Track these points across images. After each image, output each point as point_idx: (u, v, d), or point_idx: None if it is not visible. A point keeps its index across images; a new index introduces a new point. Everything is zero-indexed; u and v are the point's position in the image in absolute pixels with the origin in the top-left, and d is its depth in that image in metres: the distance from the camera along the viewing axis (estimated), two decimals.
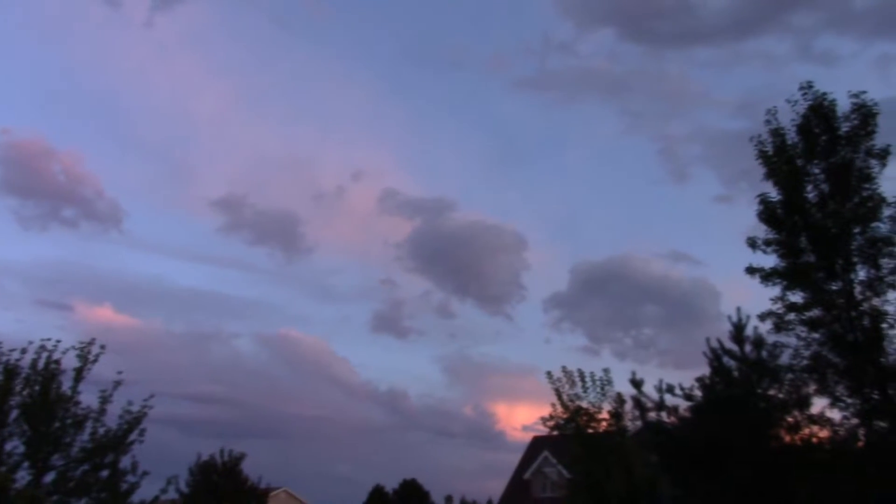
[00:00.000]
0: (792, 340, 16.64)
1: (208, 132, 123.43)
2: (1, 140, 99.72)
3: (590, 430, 21.00)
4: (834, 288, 16.29)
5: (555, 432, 22.25)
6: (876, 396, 15.54)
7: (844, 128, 16.57)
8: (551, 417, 21.48)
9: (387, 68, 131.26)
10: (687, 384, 17.64)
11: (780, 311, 16.73)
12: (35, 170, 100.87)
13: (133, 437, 17.83)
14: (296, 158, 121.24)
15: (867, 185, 16.25)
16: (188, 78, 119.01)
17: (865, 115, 16.36)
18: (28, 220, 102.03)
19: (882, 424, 15.60)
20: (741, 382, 17.06)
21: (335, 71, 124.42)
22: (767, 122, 17.37)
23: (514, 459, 47.51)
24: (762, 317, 16.89)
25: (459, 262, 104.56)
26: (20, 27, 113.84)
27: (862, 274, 16.15)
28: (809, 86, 17.00)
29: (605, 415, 21.10)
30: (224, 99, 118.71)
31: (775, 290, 16.94)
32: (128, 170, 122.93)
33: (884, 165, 16.31)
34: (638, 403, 18.32)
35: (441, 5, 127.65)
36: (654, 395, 18.12)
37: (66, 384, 17.66)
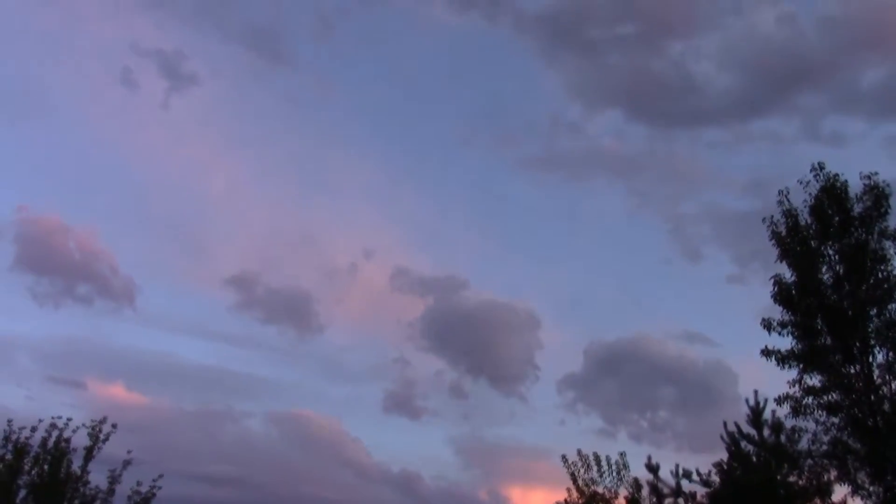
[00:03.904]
0: (811, 425, 16.28)
1: (222, 209, 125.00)
2: (17, 217, 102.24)
3: None
4: (852, 371, 15.95)
5: None
6: None
7: (857, 209, 16.46)
8: (567, 502, 20.95)
9: (398, 147, 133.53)
10: (704, 468, 17.27)
11: (797, 395, 16.35)
12: (50, 246, 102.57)
13: None
14: (308, 236, 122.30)
15: (882, 267, 16.05)
16: (202, 155, 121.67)
17: (878, 196, 16.26)
18: (43, 297, 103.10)
19: None
20: (760, 468, 16.59)
21: (346, 149, 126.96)
22: (780, 202, 17.28)
23: None
24: (779, 400, 16.51)
25: (472, 341, 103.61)
26: (39, 107, 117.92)
27: (880, 357, 15.82)
28: (821, 167, 16.96)
29: (621, 500, 20.54)
30: (237, 176, 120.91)
31: (792, 373, 16.63)
32: (142, 246, 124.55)
33: None
34: (655, 489, 17.87)
35: (451, 87, 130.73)
36: (671, 480, 17.67)
37: (76, 463, 17.62)
